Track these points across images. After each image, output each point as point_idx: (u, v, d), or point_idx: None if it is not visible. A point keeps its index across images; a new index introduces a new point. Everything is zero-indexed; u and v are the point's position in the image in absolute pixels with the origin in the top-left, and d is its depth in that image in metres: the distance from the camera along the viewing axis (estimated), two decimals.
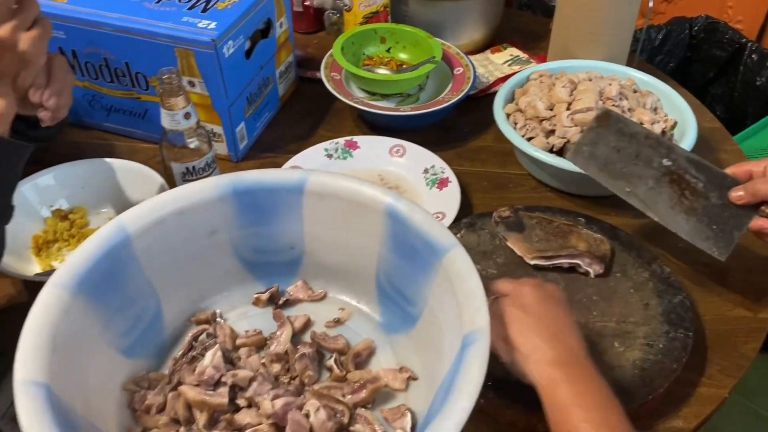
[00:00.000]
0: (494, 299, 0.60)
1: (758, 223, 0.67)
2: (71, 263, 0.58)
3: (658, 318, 0.68)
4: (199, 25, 0.85)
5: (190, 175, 0.81)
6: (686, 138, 0.86)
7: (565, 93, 0.90)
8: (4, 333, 0.75)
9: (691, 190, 0.70)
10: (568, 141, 0.86)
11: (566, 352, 0.56)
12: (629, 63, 1.04)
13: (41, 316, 0.54)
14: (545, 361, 0.55)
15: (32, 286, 0.78)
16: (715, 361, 0.70)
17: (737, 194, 0.68)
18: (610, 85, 0.91)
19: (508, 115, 0.92)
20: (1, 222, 0.66)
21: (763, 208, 0.67)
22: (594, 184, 0.87)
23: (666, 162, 0.71)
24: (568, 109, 0.88)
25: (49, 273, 0.74)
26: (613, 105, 0.88)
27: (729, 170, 0.70)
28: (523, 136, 0.88)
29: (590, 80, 0.92)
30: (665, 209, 0.71)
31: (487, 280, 0.64)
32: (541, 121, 0.89)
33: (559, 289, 0.62)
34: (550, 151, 0.87)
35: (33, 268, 0.80)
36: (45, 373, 0.51)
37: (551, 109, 0.90)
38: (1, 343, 0.83)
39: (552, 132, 0.88)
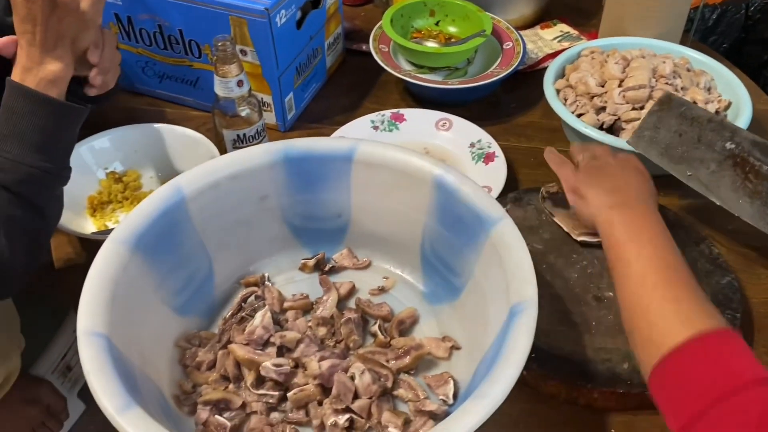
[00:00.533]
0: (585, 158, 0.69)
1: None
2: (130, 221, 0.60)
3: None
4: None
5: (240, 143, 0.83)
6: (740, 119, 0.83)
7: (618, 69, 0.88)
8: (60, 291, 0.79)
9: (755, 173, 0.68)
10: (619, 118, 0.85)
11: (624, 199, 0.61)
12: (682, 42, 1.01)
13: (102, 270, 0.56)
14: (604, 205, 0.61)
15: (88, 246, 0.81)
16: (762, 343, 0.69)
17: None
18: (663, 62, 0.89)
19: (558, 91, 0.91)
20: (60, 183, 0.68)
21: None
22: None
23: (729, 145, 0.70)
24: (620, 86, 0.87)
25: (105, 232, 0.76)
26: (666, 83, 0.87)
27: None
28: (572, 113, 0.87)
29: (643, 57, 0.91)
30: (728, 193, 0.69)
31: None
32: (592, 97, 0.88)
33: (640, 163, 0.67)
34: (600, 128, 0.86)
35: (89, 227, 0.83)
36: (105, 324, 0.53)
37: (602, 86, 0.88)
38: (56, 301, 0.87)
39: (603, 109, 0.86)
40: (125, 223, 0.60)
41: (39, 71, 0.64)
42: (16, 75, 0.65)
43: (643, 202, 0.61)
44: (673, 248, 0.56)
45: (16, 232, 0.63)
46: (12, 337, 0.80)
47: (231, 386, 0.62)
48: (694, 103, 0.85)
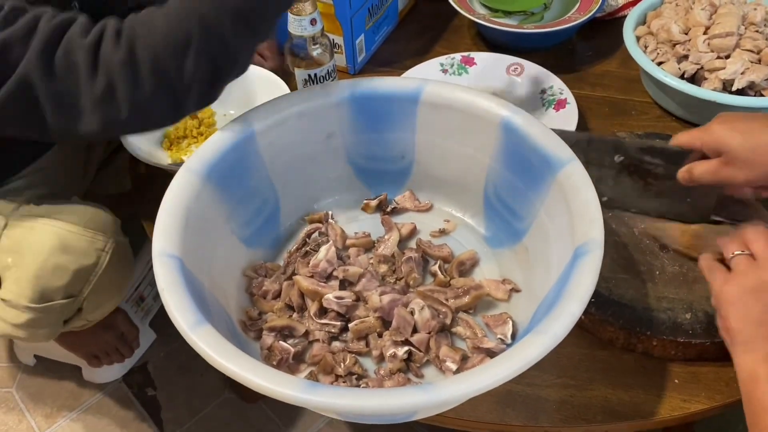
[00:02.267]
0: (741, 253, 0.53)
1: (681, 176, 0.63)
2: (203, 152, 0.62)
3: None
4: None
5: (311, 83, 0.83)
6: None
7: (704, 16, 0.84)
8: (137, 221, 0.82)
9: (653, 176, 0.67)
10: (702, 67, 0.81)
11: None
12: None
13: (176, 197, 0.59)
14: (752, 353, 0.49)
15: (165, 178, 0.84)
16: None
17: (682, 176, 0.63)
18: (755, 9, 0.84)
19: (638, 38, 0.87)
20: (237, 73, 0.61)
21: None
22: None
23: (618, 158, 0.68)
24: (705, 33, 0.82)
25: (181, 164, 0.79)
26: (756, 31, 0.82)
27: (674, 141, 0.64)
28: (653, 60, 0.83)
29: (733, 3, 0.85)
30: (635, 200, 0.68)
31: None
32: (674, 45, 0.84)
33: None
34: (681, 77, 0.82)
35: (165, 161, 0.86)
36: (178, 247, 0.56)
37: (686, 33, 0.84)
38: (133, 231, 0.91)
39: (685, 57, 0.82)
40: (198, 154, 0.62)
41: None
42: None
43: None
44: None
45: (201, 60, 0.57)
46: None
47: (295, 315, 0.64)
48: None
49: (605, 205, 0.68)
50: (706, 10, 0.84)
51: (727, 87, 0.80)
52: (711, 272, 0.55)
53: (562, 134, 0.67)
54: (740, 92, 0.79)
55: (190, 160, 0.61)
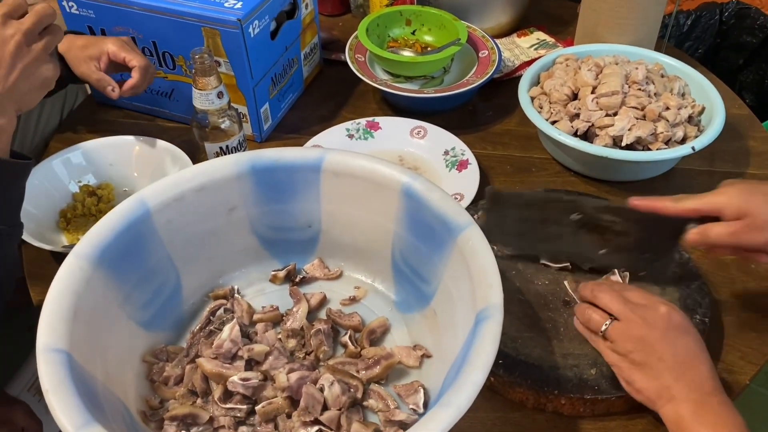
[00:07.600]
0: (608, 325, 0.58)
1: (693, 237, 0.63)
2: (93, 235, 0.59)
3: (674, 303, 0.67)
4: (226, 4, 0.85)
5: (223, 155, 0.82)
6: (714, 124, 0.84)
7: (591, 76, 0.88)
8: (35, 306, 0.77)
9: (612, 232, 0.68)
10: (593, 125, 0.85)
11: (692, 391, 0.54)
12: (657, 49, 1.02)
13: (63, 286, 0.56)
14: (672, 401, 0.54)
15: (61, 260, 0.80)
16: (736, 347, 0.68)
17: (694, 238, 0.62)
18: (636, 68, 0.89)
19: (532, 99, 0.91)
20: (12, 242, 0.65)
21: (689, 226, 0.63)
22: (618, 169, 0.86)
23: (575, 216, 0.69)
24: (593, 92, 0.87)
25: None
26: (639, 89, 0.87)
27: (681, 208, 0.63)
28: (547, 120, 0.87)
29: (616, 64, 0.91)
30: (595, 255, 0.70)
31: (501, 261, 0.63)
32: (566, 104, 0.88)
33: (676, 310, 0.57)
34: (574, 134, 0.86)
35: (61, 241, 0.82)
36: (66, 340, 0.52)
37: (576, 93, 0.88)
38: (31, 317, 0.85)
39: (577, 116, 0.87)
40: (88, 238, 0.59)
41: None
42: None
43: (710, 386, 0.54)
44: None
45: None
46: None
47: (199, 401, 0.61)
48: (667, 108, 0.85)
49: (557, 257, 0.72)
50: (592, 71, 0.89)
51: (617, 142, 0.84)
52: (594, 342, 0.60)
53: (519, 196, 0.70)
54: (629, 147, 0.83)
55: (78, 245, 0.59)
